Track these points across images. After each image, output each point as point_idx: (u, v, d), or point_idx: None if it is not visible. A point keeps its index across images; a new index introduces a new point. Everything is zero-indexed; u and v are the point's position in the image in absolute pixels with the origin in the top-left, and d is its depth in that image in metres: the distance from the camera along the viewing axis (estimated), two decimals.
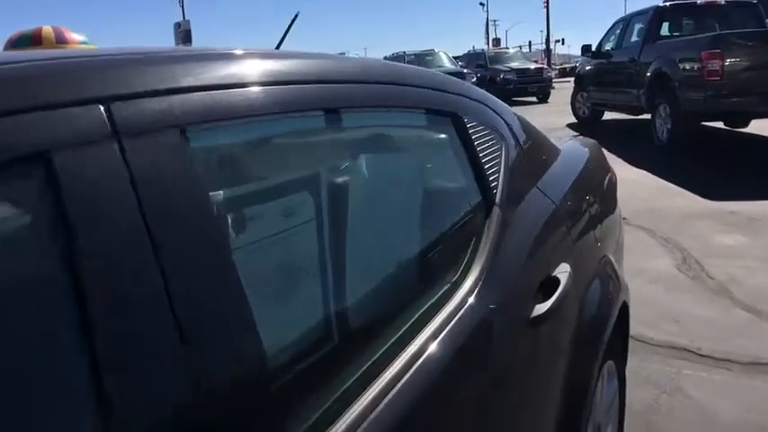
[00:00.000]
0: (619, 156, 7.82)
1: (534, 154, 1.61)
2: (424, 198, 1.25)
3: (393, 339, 0.97)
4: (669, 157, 7.49)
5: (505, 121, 1.52)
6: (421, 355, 0.95)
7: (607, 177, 2.16)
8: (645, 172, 6.86)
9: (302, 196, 1.01)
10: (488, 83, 17.68)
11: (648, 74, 7.94)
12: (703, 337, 3.07)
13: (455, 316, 1.08)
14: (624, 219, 5.20)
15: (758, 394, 2.56)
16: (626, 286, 1.92)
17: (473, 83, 16.35)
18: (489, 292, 1.16)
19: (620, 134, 9.84)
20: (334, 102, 0.99)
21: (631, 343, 3.10)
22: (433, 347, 1.01)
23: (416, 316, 1.04)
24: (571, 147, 2.12)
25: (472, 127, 1.35)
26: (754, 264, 3.97)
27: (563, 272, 1.35)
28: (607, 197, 2.09)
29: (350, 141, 1.14)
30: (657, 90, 7.78)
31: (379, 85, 1.14)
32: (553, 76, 20.55)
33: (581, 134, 9.72)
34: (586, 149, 2.14)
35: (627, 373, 2.79)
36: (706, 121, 8.08)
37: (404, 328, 0.99)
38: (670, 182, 6.28)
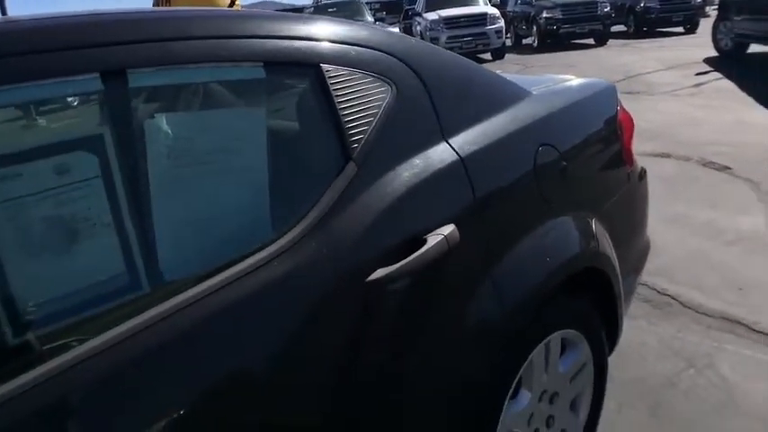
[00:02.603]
0: (751, 95, 6.88)
1: (456, 102, 1.38)
2: (254, 157, 1.11)
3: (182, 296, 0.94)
4: None
5: (408, 65, 1.32)
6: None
7: (605, 130, 1.84)
8: None
9: (84, 156, 0.95)
10: (627, 11, 16.10)
11: None
12: (765, 311, 2.65)
13: (259, 273, 0.98)
14: (728, 169, 4.64)
15: None
16: (603, 253, 1.66)
17: (608, 12, 14.79)
18: (309, 251, 1.05)
19: (761, 70, 8.60)
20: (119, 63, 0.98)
21: (676, 309, 2.78)
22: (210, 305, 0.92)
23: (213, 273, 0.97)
24: (556, 91, 1.82)
25: (337, 76, 1.20)
26: None
27: (438, 234, 1.16)
28: (595, 152, 1.79)
29: (148, 102, 1.05)
30: None
31: (196, 40, 1.07)
32: (708, 2, 18.21)
33: (717, 69, 8.65)
34: (582, 94, 1.83)
35: (655, 342, 2.51)
36: None
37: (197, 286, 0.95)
38: None
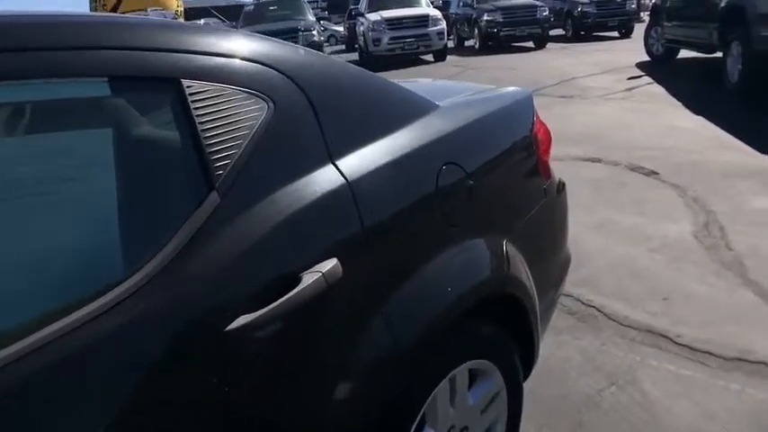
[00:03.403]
0: (680, 99, 7.05)
1: (347, 120, 1.25)
2: (96, 188, 0.96)
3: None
4: (736, 103, 6.61)
5: (291, 79, 1.18)
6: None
7: (519, 144, 1.74)
8: (703, 120, 6.09)
9: None
10: (566, 16, 16.43)
11: (722, 5, 6.97)
12: (689, 322, 2.63)
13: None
14: (656, 174, 4.70)
15: (727, 400, 2.14)
16: (515, 277, 1.56)
17: (547, 16, 14.99)
18: (155, 298, 0.89)
19: (690, 75, 8.84)
20: None
21: (601, 321, 2.73)
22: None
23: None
24: (467, 103, 1.71)
25: (201, 92, 1.04)
26: None
27: (315, 271, 1.03)
28: (506, 169, 1.69)
29: None
30: (730, 25, 6.82)
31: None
32: (642, 8, 18.75)
33: (649, 74, 8.85)
34: (495, 105, 1.72)
35: (579, 357, 2.45)
36: None
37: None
38: (727, 132, 5.52)
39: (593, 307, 2.83)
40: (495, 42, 15.22)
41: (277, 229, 1.04)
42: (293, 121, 1.15)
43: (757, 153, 4.86)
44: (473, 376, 1.53)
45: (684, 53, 9.57)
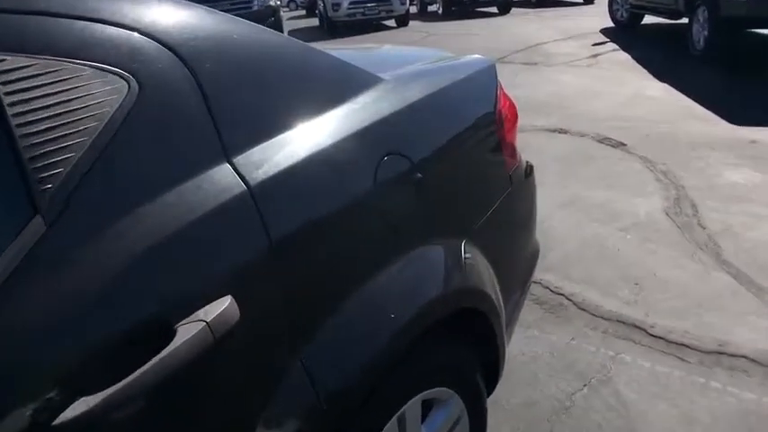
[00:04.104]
0: (646, 66, 6.86)
1: (252, 101, 0.96)
2: None
3: None
4: (702, 70, 6.45)
5: (171, 48, 0.89)
6: None
7: (480, 123, 1.47)
8: (669, 87, 5.91)
9: None
10: None
11: None
12: (663, 310, 2.44)
13: None
14: (623, 145, 4.50)
15: (709, 401, 1.95)
16: (476, 287, 1.31)
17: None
18: None
19: (654, 42, 8.67)
20: None
21: (571, 311, 2.52)
22: None
23: None
24: (419, 73, 1.43)
25: (18, 70, 0.73)
26: (760, 211, 3.22)
27: (196, 320, 0.74)
28: (464, 155, 1.41)
29: None
30: None
31: None
32: None
33: (614, 40, 8.63)
34: (452, 77, 1.44)
35: (548, 354, 2.24)
36: (750, 28, 6.93)
37: None
38: (694, 100, 5.36)
39: (562, 295, 2.62)
40: (459, 8, 14.84)
41: (137, 260, 0.75)
42: (169, 109, 0.85)
43: (725, 122, 4.70)
44: (428, 404, 1.28)
45: (649, 19, 9.40)
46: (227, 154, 0.89)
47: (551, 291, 2.65)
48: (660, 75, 6.41)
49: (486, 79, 1.55)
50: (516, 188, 1.59)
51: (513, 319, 1.65)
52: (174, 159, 0.83)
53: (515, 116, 1.66)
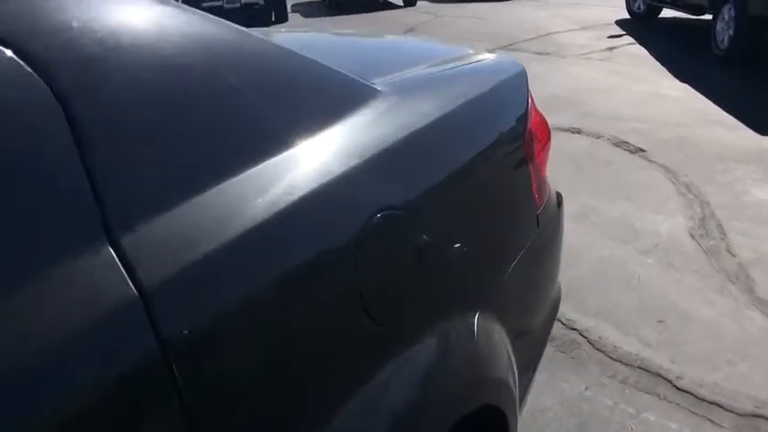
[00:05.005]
0: (664, 63, 6.48)
1: (167, 141, 0.63)
2: None
3: None
4: (725, 71, 6.09)
5: (27, 61, 0.55)
6: None
7: (506, 151, 1.12)
8: (689, 87, 5.55)
9: None
10: None
11: None
12: (690, 356, 2.13)
13: None
14: (642, 150, 4.16)
15: None
16: (494, 379, 0.98)
17: None
18: None
19: (673, 37, 8.27)
20: None
21: (585, 351, 2.20)
22: None
23: None
24: (430, 82, 1.08)
25: None
26: None
27: None
28: (484, 198, 1.07)
29: None
30: None
31: None
32: None
33: (630, 33, 8.23)
34: (474, 87, 1.09)
35: (558, 407, 1.93)
36: None
37: None
38: (717, 104, 5.00)
39: (576, 330, 2.30)
40: None
41: None
42: (11, 157, 0.51)
43: (752, 132, 4.36)
44: None
45: (667, 12, 8.98)
46: (106, 225, 0.55)
47: (563, 324, 2.33)
48: (680, 73, 6.03)
49: (515, 91, 1.21)
50: (544, 230, 1.26)
51: (527, 392, 1.33)
52: (17, 240, 0.50)
53: (547, 137, 1.32)
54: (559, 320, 2.34)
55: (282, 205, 0.68)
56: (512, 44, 7.77)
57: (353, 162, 0.77)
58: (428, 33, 9.52)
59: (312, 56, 0.90)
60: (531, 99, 1.27)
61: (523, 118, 1.17)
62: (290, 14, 12.77)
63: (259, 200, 0.68)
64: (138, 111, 0.63)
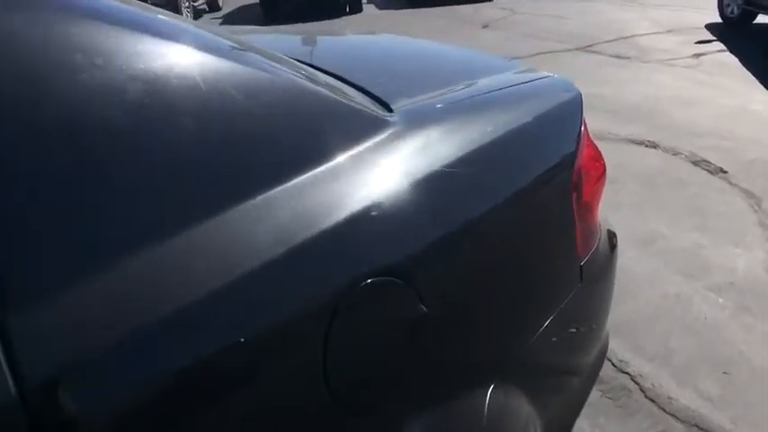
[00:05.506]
0: (757, 75, 5.98)
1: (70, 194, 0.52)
2: None
3: None
4: None
5: None
6: None
7: (544, 198, 0.95)
8: None
9: None
10: None
11: None
12: (756, 420, 1.88)
13: None
14: (723, 172, 3.82)
15: None
16: None
17: None
18: None
19: None
20: None
21: (636, 400, 1.98)
22: None
23: None
24: (456, 107, 0.91)
25: None
26: None
27: None
28: (506, 255, 0.89)
29: None
30: None
31: None
32: None
33: (720, 39, 7.68)
34: (511, 119, 0.91)
35: None
36: None
37: None
38: None
39: (627, 374, 2.08)
40: None
41: None
42: None
43: None
44: None
45: (762, 18, 8.34)
46: None
47: (614, 365, 2.12)
48: None
49: (564, 121, 1.03)
50: (589, 283, 1.07)
51: None
52: None
53: (601, 173, 1.13)
54: (610, 360, 2.14)
55: (245, 267, 0.55)
56: (590, 45, 7.41)
57: (337, 216, 0.63)
58: (503, 30, 9.22)
59: (335, 63, 0.77)
60: (586, 130, 1.09)
61: (572, 155, 1.00)
62: (364, 5, 12.69)
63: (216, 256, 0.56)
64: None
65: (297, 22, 10.18)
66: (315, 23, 10.23)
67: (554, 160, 0.98)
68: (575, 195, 1.00)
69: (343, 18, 11.06)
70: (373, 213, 0.66)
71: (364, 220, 0.65)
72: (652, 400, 1.97)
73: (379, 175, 0.70)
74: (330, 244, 0.62)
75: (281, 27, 8.91)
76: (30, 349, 0.47)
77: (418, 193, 0.72)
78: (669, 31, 8.46)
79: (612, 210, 3.39)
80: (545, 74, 1.20)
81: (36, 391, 0.46)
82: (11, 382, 0.46)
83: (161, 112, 0.60)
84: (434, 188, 0.75)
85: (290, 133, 0.68)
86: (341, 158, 0.68)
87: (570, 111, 1.06)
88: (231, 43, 0.80)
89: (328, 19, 10.90)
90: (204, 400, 0.55)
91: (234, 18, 12.69)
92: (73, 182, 0.52)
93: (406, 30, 9.04)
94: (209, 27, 0.95)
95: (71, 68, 0.56)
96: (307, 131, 0.70)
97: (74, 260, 0.50)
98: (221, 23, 10.68)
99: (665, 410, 1.93)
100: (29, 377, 0.46)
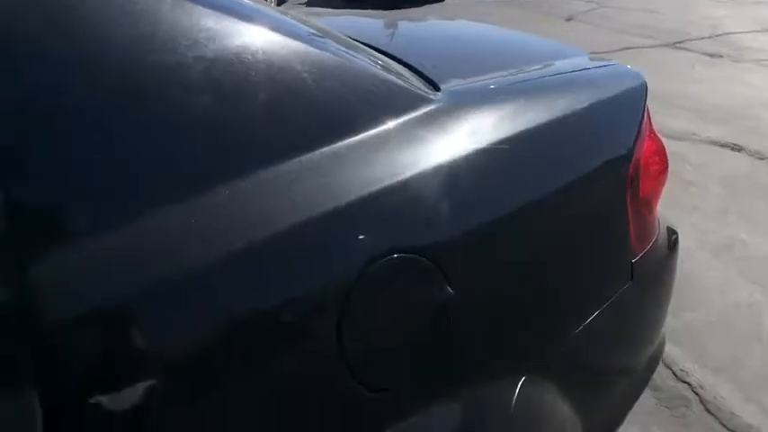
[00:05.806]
0: None
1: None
2: None
3: None
4: None
5: None
6: None
7: (595, 189, 0.91)
8: None
9: None
10: None
11: None
12: None
13: None
14: None
15: None
16: None
17: None
18: None
19: None
20: None
21: (695, 413, 1.89)
22: None
23: None
24: (503, 89, 0.89)
25: None
26: None
27: None
28: (546, 243, 0.86)
29: None
30: None
31: None
32: None
33: None
34: (559, 109, 0.88)
35: None
36: None
37: None
38: None
39: (688, 384, 1.99)
40: None
41: None
42: None
43: None
44: None
45: None
46: None
47: (674, 374, 2.02)
48: None
49: (625, 110, 0.99)
50: (641, 282, 1.03)
51: None
52: None
53: (663, 169, 1.08)
54: (670, 368, 2.05)
55: (259, 236, 0.56)
56: (680, 42, 7.06)
57: (368, 189, 0.63)
58: (588, 24, 8.91)
59: (396, 45, 0.77)
60: (649, 121, 1.04)
61: (630, 146, 0.95)
62: None
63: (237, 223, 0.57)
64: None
65: (377, 8, 10.20)
66: (395, 12, 10.23)
67: (609, 150, 0.94)
68: (630, 189, 0.95)
69: (426, 6, 10.99)
70: (396, 191, 0.65)
71: (385, 197, 0.65)
72: (712, 414, 1.87)
73: (412, 151, 0.70)
74: (359, 212, 0.63)
75: (358, 11, 8.96)
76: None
77: (455, 172, 0.71)
78: (766, 31, 7.95)
79: (688, 212, 3.23)
80: (611, 62, 1.15)
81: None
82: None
83: (234, 87, 0.64)
84: (474, 168, 0.73)
85: (334, 103, 0.69)
86: (372, 132, 0.68)
87: (632, 100, 1.01)
88: (305, 27, 0.83)
89: (409, 7, 10.87)
90: (225, 368, 0.57)
91: (317, 5, 12.86)
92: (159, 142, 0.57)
93: (486, 20, 8.88)
94: (284, 11, 0.97)
95: (160, 48, 0.60)
96: (342, 105, 0.70)
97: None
98: (306, 5, 10.84)
99: (725, 426, 1.83)
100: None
